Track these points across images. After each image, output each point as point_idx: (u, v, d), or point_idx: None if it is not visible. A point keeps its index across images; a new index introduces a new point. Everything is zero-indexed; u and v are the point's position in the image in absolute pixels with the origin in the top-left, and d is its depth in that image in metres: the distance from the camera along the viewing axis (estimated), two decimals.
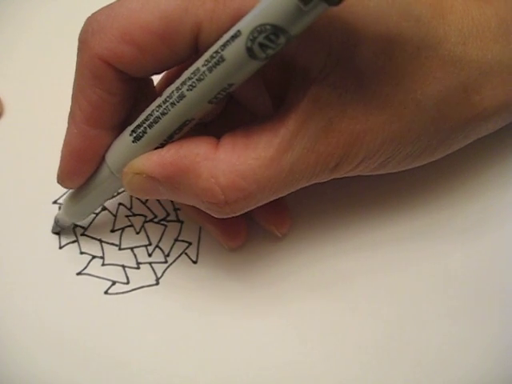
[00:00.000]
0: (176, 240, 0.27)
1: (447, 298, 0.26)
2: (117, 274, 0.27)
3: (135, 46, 0.21)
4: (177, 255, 0.27)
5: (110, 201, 0.28)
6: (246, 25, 0.19)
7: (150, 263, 0.27)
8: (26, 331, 0.25)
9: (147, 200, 0.28)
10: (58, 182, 0.24)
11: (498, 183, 0.28)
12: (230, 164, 0.21)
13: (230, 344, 0.25)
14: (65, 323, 0.25)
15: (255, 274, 0.27)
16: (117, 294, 0.26)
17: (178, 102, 0.21)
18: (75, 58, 0.23)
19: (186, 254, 0.27)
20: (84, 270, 0.27)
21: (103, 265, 0.27)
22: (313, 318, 0.26)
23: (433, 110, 0.22)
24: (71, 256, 0.27)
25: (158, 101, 0.21)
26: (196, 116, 0.21)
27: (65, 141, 0.24)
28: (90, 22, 0.22)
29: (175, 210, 0.28)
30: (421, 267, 0.27)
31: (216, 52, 0.19)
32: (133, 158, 0.22)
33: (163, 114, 0.21)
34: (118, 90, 0.22)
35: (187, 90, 0.20)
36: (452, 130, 0.23)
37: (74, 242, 0.27)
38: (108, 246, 0.27)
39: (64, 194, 0.28)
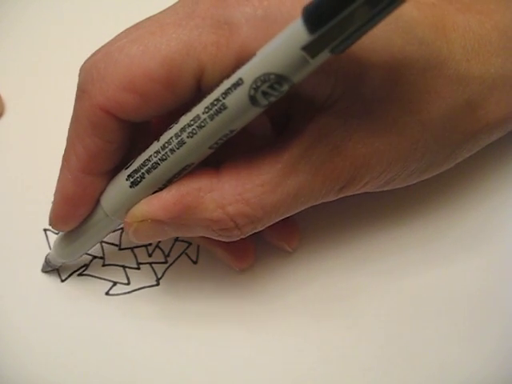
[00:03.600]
0: (176, 240, 0.27)
1: (449, 305, 0.26)
2: (117, 274, 0.27)
3: (138, 94, 0.20)
4: (177, 255, 0.27)
5: None
6: (248, 73, 0.18)
7: (151, 263, 0.27)
8: (27, 332, 0.25)
9: None
10: (50, 225, 0.24)
11: (500, 191, 0.28)
12: (235, 193, 0.21)
13: (230, 345, 0.25)
14: (66, 324, 0.25)
15: (255, 274, 0.26)
16: (118, 294, 0.26)
17: (177, 148, 0.20)
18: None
19: (186, 254, 0.27)
20: (85, 270, 0.27)
21: (104, 265, 0.27)
22: (313, 326, 0.26)
23: (438, 128, 0.22)
24: None
25: (156, 146, 0.21)
26: (196, 161, 0.21)
27: (58, 186, 0.23)
28: (89, 69, 0.21)
29: None
30: (424, 278, 0.26)
31: (217, 100, 0.19)
32: (130, 202, 0.22)
33: (162, 159, 0.21)
34: (118, 138, 0.22)
35: (187, 136, 0.20)
36: (457, 146, 0.23)
37: None
38: (108, 246, 0.27)
39: None
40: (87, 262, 0.27)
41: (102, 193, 0.23)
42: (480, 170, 0.28)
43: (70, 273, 0.27)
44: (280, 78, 0.18)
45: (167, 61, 0.20)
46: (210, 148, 0.20)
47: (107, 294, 0.26)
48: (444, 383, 0.24)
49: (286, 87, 0.18)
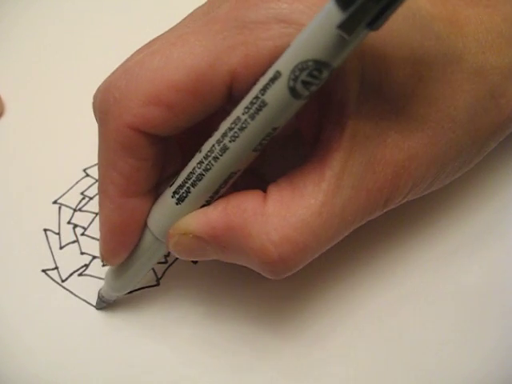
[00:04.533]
0: None
1: (449, 306, 0.26)
2: None
3: (165, 107, 0.19)
4: None
5: None
6: (285, 64, 0.18)
7: None
8: (27, 332, 0.25)
9: None
10: (102, 261, 0.23)
11: (502, 192, 0.28)
12: (279, 217, 0.20)
13: (230, 344, 0.25)
14: (66, 324, 0.25)
15: (255, 274, 0.26)
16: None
17: (220, 155, 0.19)
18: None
19: None
20: (85, 270, 0.27)
21: (104, 265, 0.27)
22: (312, 327, 0.26)
23: (467, 123, 0.22)
24: (72, 256, 0.27)
25: (199, 157, 0.20)
26: (241, 167, 0.20)
27: (101, 218, 0.22)
28: (109, 89, 0.20)
29: None
30: (424, 277, 0.26)
31: (256, 97, 0.18)
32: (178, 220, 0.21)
33: (206, 170, 0.20)
34: (151, 154, 0.21)
35: (229, 141, 0.19)
36: (486, 138, 0.23)
37: (74, 242, 0.27)
38: None
39: (64, 193, 0.28)
40: (87, 262, 0.27)
41: (147, 216, 0.22)
42: (482, 170, 0.28)
43: (70, 273, 0.27)
44: (319, 64, 0.17)
45: (193, 70, 0.19)
46: (255, 151, 0.20)
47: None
48: (444, 382, 0.24)
49: (325, 74, 0.17)
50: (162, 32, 0.21)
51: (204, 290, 0.26)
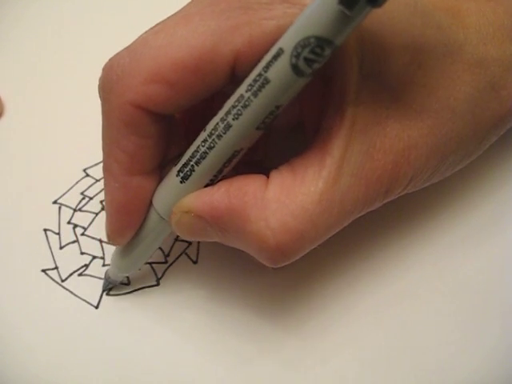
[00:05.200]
0: (176, 240, 0.27)
1: (449, 302, 0.26)
2: None
3: (167, 85, 0.19)
4: (177, 255, 0.27)
5: None
6: (287, 41, 0.18)
7: (151, 263, 0.27)
8: (27, 332, 0.25)
9: None
10: (108, 240, 0.23)
11: (502, 189, 0.28)
12: (279, 203, 0.20)
13: (229, 345, 0.25)
14: (66, 324, 0.25)
15: (255, 274, 0.26)
16: (118, 294, 0.26)
17: (224, 133, 0.20)
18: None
19: (185, 254, 0.27)
20: (85, 270, 0.27)
21: (104, 265, 0.27)
22: (313, 326, 0.26)
23: (468, 115, 0.22)
24: (72, 256, 0.27)
25: (203, 135, 0.20)
26: (245, 145, 0.20)
27: (107, 198, 0.22)
28: (112, 67, 0.20)
29: None
30: (423, 274, 0.26)
31: (259, 75, 0.18)
32: None
33: (210, 148, 0.20)
34: (153, 132, 0.21)
35: (233, 119, 0.19)
36: (487, 131, 0.23)
37: (74, 242, 0.27)
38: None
39: (64, 193, 0.28)
40: (87, 262, 0.27)
41: (152, 195, 0.22)
42: (483, 164, 0.28)
43: (70, 273, 0.27)
44: (320, 41, 0.17)
45: (196, 49, 0.19)
46: (258, 129, 0.20)
47: (108, 294, 0.26)
48: (443, 382, 0.24)
49: (327, 51, 0.17)
50: None
51: (204, 290, 0.26)
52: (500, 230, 0.27)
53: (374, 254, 0.27)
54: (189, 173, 0.21)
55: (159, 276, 0.26)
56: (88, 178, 0.28)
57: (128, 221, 0.22)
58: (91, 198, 0.28)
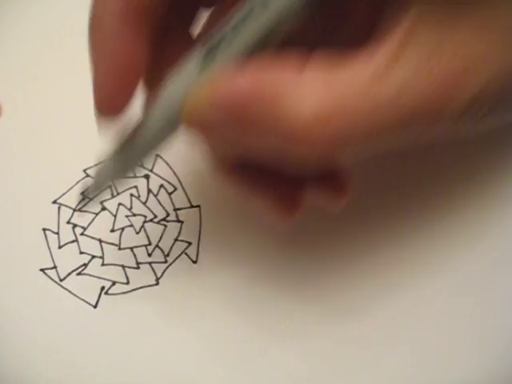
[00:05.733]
0: (176, 240, 0.27)
1: (447, 300, 0.26)
2: (116, 274, 0.26)
3: None
4: (177, 255, 0.27)
5: (110, 201, 0.28)
6: None
7: (150, 263, 0.27)
8: (26, 332, 0.25)
9: (147, 200, 0.28)
10: (96, 110, 0.19)
11: (499, 185, 0.28)
12: (316, 90, 0.17)
13: (230, 344, 0.25)
14: (65, 324, 0.25)
15: (256, 273, 0.26)
16: (117, 294, 0.26)
17: (260, 10, 0.17)
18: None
19: (185, 253, 0.27)
20: (84, 270, 0.27)
21: (103, 265, 0.27)
22: (313, 327, 0.26)
23: None
24: (71, 256, 0.27)
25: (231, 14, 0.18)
26: (281, 27, 0.17)
27: (95, 58, 0.19)
28: None
29: (175, 210, 0.28)
30: (421, 269, 0.26)
31: None
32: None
33: (240, 26, 0.17)
34: None
35: None
36: None
37: (73, 241, 0.27)
38: (107, 245, 0.27)
39: (64, 193, 0.28)
40: (86, 261, 0.27)
41: (149, 73, 0.19)
42: (481, 168, 0.28)
43: (68, 272, 0.27)
44: None
45: None
46: (296, 12, 0.17)
47: (106, 293, 0.26)
48: (442, 382, 0.24)
49: None
50: None
51: (203, 290, 0.26)
52: (500, 230, 0.27)
53: (373, 257, 0.27)
54: (209, 60, 0.18)
55: (158, 276, 0.26)
56: (88, 179, 0.28)
57: (119, 85, 0.19)
58: (91, 199, 0.28)
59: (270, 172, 0.21)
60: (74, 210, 0.28)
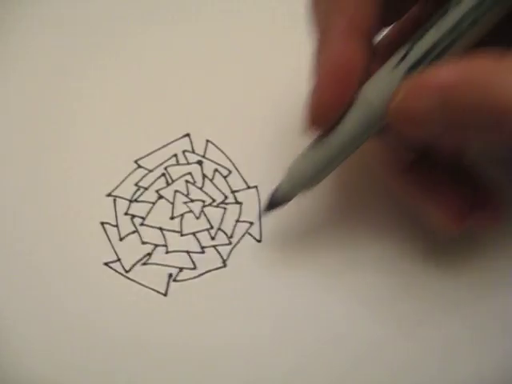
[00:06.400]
0: (237, 221, 0.27)
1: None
2: (182, 260, 0.26)
3: None
4: (240, 236, 0.27)
5: (165, 189, 0.28)
6: None
7: (215, 246, 0.27)
8: (99, 327, 0.25)
9: (203, 185, 0.28)
10: (309, 119, 0.21)
11: None
12: None
13: (302, 322, 0.25)
14: (136, 314, 0.25)
15: (319, 248, 0.27)
16: (185, 280, 0.26)
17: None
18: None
19: (249, 233, 0.27)
20: (149, 259, 0.26)
21: (167, 252, 0.27)
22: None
23: None
24: (133, 247, 0.27)
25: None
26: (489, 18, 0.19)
27: (320, 61, 0.21)
28: None
29: (232, 192, 0.28)
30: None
31: None
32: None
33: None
34: None
35: None
36: None
37: (133, 232, 0.27)
38: (169, 233, 0.27)
39: (118, 186, 0.28)
40: (150, 250, 0.27)
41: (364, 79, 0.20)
42: None
43: (133, 263, 0.26)
44: None
45: None
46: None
47: (175, 280, 0.26)
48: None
49: None
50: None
51: (271, 268, 0.26)
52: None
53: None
54: (417, 64, 0.19)
55: (225, 258, 0.26)
56: (140, 169, 0.28)
57: (337, 91, 0.20)
58: (146, 189, 0.28)
59: (441, 180, 0.23)
60: (130, 201, 0.28)
